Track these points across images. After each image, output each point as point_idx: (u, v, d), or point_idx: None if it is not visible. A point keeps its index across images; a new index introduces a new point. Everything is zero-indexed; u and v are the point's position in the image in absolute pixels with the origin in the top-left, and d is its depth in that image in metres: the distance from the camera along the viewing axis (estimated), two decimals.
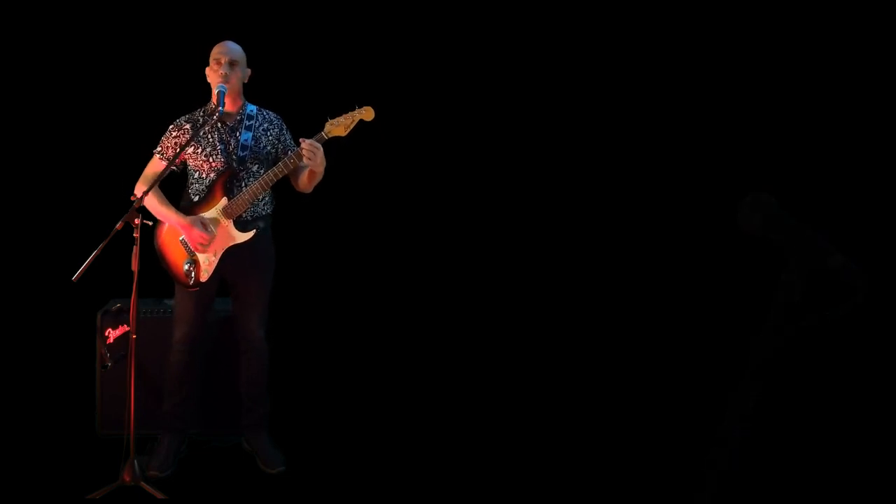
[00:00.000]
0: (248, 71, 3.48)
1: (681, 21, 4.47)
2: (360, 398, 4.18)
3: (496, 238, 4.61)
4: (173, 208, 3.43)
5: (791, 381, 4.27)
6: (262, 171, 3.44)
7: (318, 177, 3.45)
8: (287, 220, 3.75)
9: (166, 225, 3.46)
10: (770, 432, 3.84)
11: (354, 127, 3.36)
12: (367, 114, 3.36)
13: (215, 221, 3.42)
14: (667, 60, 4.50)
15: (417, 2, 4.44)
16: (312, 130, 3.35)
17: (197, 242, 3.40)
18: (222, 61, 3.38)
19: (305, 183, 3.48)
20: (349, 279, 4.58)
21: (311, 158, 3.30)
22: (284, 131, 3.54)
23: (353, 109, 3.35)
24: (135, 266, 3.18)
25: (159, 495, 3.22)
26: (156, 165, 3.47)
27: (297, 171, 3.46)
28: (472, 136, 4.56)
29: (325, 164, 3.37)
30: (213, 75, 3.41)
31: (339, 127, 3.35)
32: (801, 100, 4.47)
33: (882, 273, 4.44)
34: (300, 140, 3.31)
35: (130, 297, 3.22)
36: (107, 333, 3.78)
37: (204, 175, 3.45)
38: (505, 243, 4.61)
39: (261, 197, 3.45)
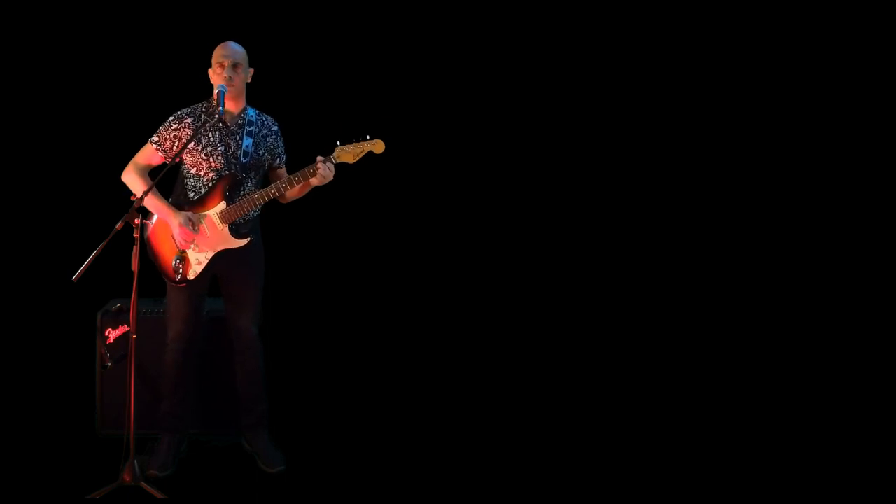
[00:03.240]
0: (251, 70, 3.47)
1: (681, 21, 4.47)
2: (360, 398, 4.18)
3: (493, 237, 4.60)
4: (166, 201, 3.42)
5: (791, 381, 4.28)
6: (258, 177, 3.47)
7: (304, 194, 3.51)
8: (285, 219, 3.75)
9: (156, 218, 3.45)
10: (770, 432, 3.85)
11: (363, 157, 3.39)
12: (378, 146, 3.40)
13: (211, 224, 3.43)
14: (666, 62, 4.51)
15: (419, 6, 4.45)
16: (313, 135, 3.36)
17: (183, 239, 3.40)
18: (225, 64, 3.38)
19: (292, 196, 3.52)
20: (348, 278, 4.58)
21: (321, 178, 3.35)
22: (279, 140, 3.56)
23: (364, 140, 3.39)
24: (135, 266, 3.18)
25: (159, 495, 3.22)
26: (149, 153, 3.45)
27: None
28: (469, 134, 4.56)
29: None
30: (216, 78, 3.41)
31: (348, 154, 3.38)
32: (801, 100, 4.48)
33: (882, 273, 4.46)
34: (317, 158, 3.34)
35: (130, 297, 3.22)
36: (107, 333, 3.77)
37: (202, 174, 3.44)
38: (502, 242, 4.61)
39: (257, 208, 3.46)
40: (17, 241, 4.41)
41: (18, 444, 3.65)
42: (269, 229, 3.62)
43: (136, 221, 3.16)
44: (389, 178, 4.52)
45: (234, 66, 3.38)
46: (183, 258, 3.44)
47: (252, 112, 3.50)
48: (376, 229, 4.57)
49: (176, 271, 3.43)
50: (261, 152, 3.48)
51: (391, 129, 3.79)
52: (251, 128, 3.46)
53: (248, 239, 3.45)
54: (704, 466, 3.57)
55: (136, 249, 3.17)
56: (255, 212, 3.51)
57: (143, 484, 3.24)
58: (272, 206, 3.61)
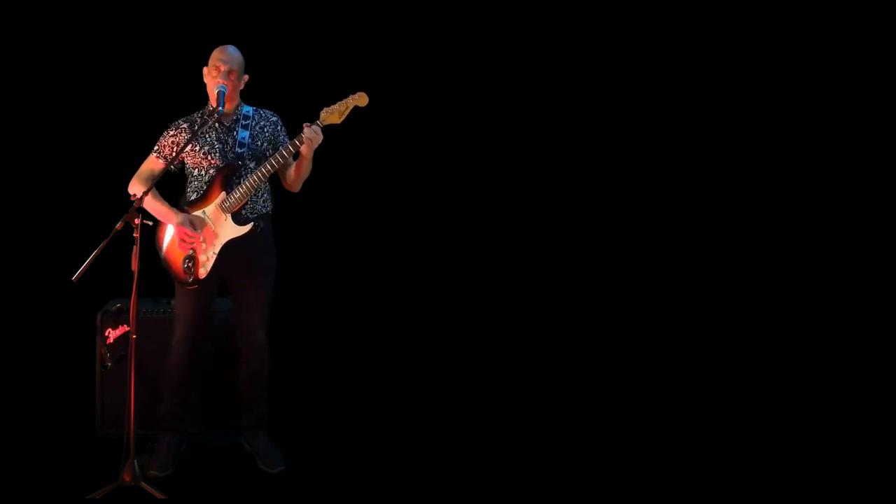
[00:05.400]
0: (246, 77, 3.50)
1: (681, 21, 4.47)
2: (360, 398, 4.17)
3: (496, 236, 4.60)
4: (165, 203, 3.44)
5: (791, 380, 4.28)
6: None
7: (305, 172, 3.47)
8: (288, 220, 3.75)
9: (170, 227, 3.47)
10: (770, 432, 3.85)
11: (349, 114, 3.38)
12: (361, 100, 3.38)
13: (214, 216, 3.43)
14: (666, 61, 4.51)
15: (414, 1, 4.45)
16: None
17: (181, 239, 3.41)
18: (221, 69, 3.40)
19: (293, 178, 3.50)
20: (349, 279, 4.58)
21: (308, 142, 3.34)
22: (280, 129, 3.56)
23: (347, 97, 3.37)
24: (135, 266, 3.19)
25: (159, 495, 3.22)
26: (151, 163, 3.50)
27: (286, 166, 3.48)
28: (470, 133, 4.56)
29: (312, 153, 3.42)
30: (210, 79, 3.44)
31: (333, 114, 3.38)
32: (801, 100, 4.48)
33: (882, 273, 4.45)
34: (304, 125, 3.34)
35: (130, 297, 3.22)
36: (107, 333, 3.77)
37: (203, 173, 3.47)
38: (505, 241, 4.61)
39: (259, 192, 3.46)
40: (17, 241, 4.41)
41: (18, 444, 3.65)
42: (272, 229, 3.61)
43: (137, 221, 3.17)
44: (391, 180, 4.53)
45: (229, 72, 3.41)
46: (192, 258, 3.44)
47: (248, 109, 3.52)
48: (375, 232, 4.56)
49: (187, 272, 3.43)
50: (259, 143, 3.49)
51: (391, 129, 3.81)
52: (247, 122, 3.48)
53: (251, 224, 3.45)
54: (704, 466, 3.57)
55: (136, 249, 3.18)
56: (263, 207, 3.51)
57: (143, 484, 3.24)
58: (278, 208, 3.61)
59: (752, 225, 4.54)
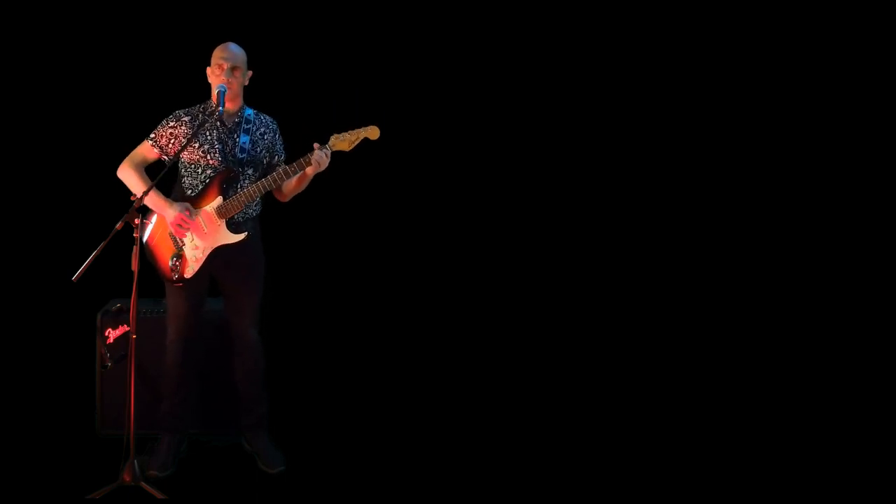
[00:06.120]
0: (249, 73, 3.49)
1: (681, 21, 4.47)
2: (360, 398, 4.18)
3: (491, 237, 4.61)
4: (161, 195, 3.42)
5: (791, 381, 4.29)
6: (256, 175, 3.47)
7: (302, 188, 3.50)
8: (286, 220, 3.75)
9: (154, 221, 3.47)
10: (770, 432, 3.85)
11: (358, 144, 3.40)
12: (373, 133, 3.42)
13: (208, 219, 3.43)
14: (667, 62, 4.51)
15: (418, 7, 4.45)
16: (311, 133, 3.36)
17: (177, 224, 3.40)
18: (224, 67, 3.39)
19: (289, 191, 3.52)
20: (348, 279, 4.58)
21: (315, 164, 3.35)
22: (278, 137, 3.56)
23: (359, 127, 3.41)
24: (135, 266, 3.19)
25: (159, 495, 3.22)
26: (145, 149, 3.47)
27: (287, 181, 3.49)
28: (468, 134, 4.56)
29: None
30: (214, 78, 3.43)
31: (343, 142, 3.41)
32: (801, 100, 4.48)
33: (882, 273, 4.46)
34: (314, 145, 3.35)
35: (130, 297, 3.22)
36: (107, 333, 3.77)
37: (199, 170, 3.46)
38: (500, 241, 4.61)
39: (255, 200, 3.46)
40: (17, 241, 4.42)
41: (18, 444, 3.65)
42: (269, 229, 3.62)
43: (136, 221, 3.17)
44: (388, 178, 4.53)
45: (233, 69, 3.40)
46: (180, 256, 3.44)
47: (250, 111, 3.52)
48: (375, 231, 4.57)
49: (173, 270, 3.43)
50: (258, 150, 3.49)
51: (394, 130, 3.78)
52: (248, 126, 3.48)
53: (245, 234, 3.46)
54: (704, 466, 3.57)
55: (136, 249, 3.18)
56: (254, 210, 3.52)
57: (143, 484, 3.24)
58: (272, 207, 3.62)
59: (752, 225, 4.55)
